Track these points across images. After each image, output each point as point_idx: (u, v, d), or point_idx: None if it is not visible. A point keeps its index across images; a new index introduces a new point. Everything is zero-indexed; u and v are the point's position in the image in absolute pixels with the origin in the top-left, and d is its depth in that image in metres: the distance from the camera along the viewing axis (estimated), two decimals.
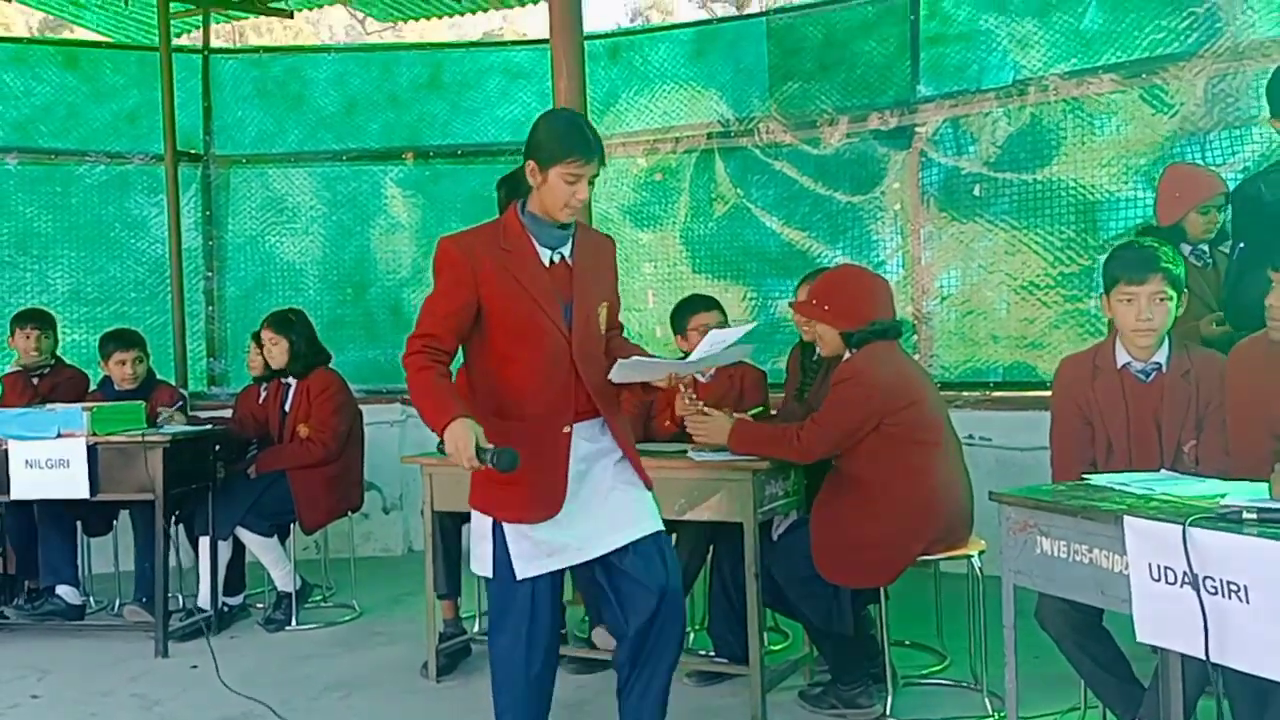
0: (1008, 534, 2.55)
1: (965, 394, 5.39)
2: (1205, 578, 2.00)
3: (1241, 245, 3.35)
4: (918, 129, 5.70)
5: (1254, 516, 2.03)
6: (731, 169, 6.26)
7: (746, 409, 3.87)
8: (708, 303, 4.14)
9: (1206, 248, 3.73)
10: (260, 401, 5.03)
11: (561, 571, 2.78)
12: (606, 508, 2.75)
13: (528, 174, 2.64)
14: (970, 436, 5.01)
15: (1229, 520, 2.04)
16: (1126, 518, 2.19)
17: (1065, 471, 2.91)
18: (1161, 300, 2.80)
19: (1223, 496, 2.24)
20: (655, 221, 6.51)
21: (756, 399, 4.06)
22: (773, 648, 4.22)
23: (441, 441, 2.53)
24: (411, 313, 6.69)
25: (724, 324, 4.00)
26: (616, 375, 2.69)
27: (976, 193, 5.54)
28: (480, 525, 2.77)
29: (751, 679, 3.45)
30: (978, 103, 5.52)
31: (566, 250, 2.73)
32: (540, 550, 2.70)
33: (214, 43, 7.23)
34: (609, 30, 6.62)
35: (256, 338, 5.08)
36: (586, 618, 4.07)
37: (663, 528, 2.81)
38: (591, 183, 2.63)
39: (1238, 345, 2.85)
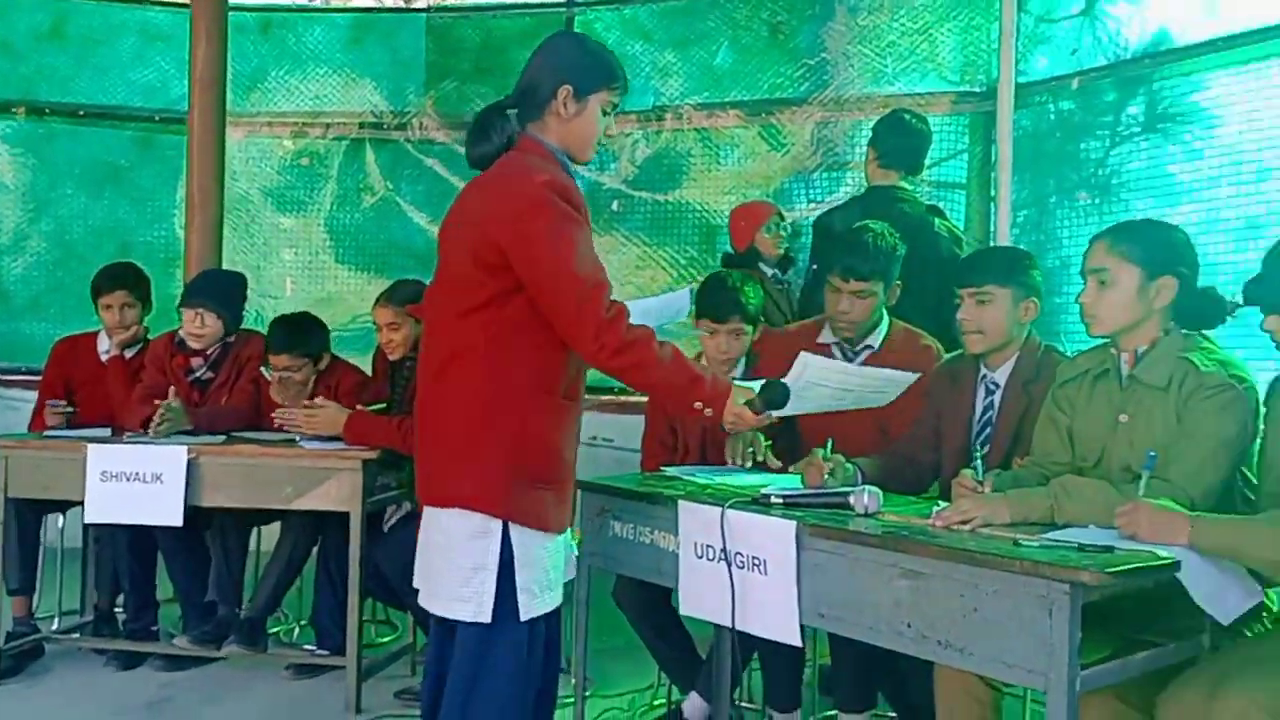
0: (587, 519, 2.72)
1: (592, 397, 5.63)
2: (736, 553, 2.25)
3: (814, 267, 3.80)
4: None
5: (780, 501, 2.31)
6: (382, 161, 6.19)
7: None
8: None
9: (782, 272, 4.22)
10: None
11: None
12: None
13: (559, 103, 2.16)
14: (594, 438, 5.27)
15: (760, 504, 2.31)
16: (681, 501, 2.42)
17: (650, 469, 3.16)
18: (738, 335, 3.13)
19: (766, 485, 2.52)
20: (299, 207, 6.28)
21: (350, 402, 3.77)
22: (381, 640, 4.21)
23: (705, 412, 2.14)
24: (13, 284, 6.06)
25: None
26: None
27: (615, 208, 5.83)
28: (471, 549, 2.12)
29: (349, 670, 3.42)
30: (620, 122, 5.79)
31: None
32: (552, 577, 2.19)
33: None
34: (260, 4, 6.30)
35: None
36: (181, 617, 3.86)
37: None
38: None
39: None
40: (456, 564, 2.13)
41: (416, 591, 3.39)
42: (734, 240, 4.40)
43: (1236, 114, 3.90)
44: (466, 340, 2.15)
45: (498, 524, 2.11)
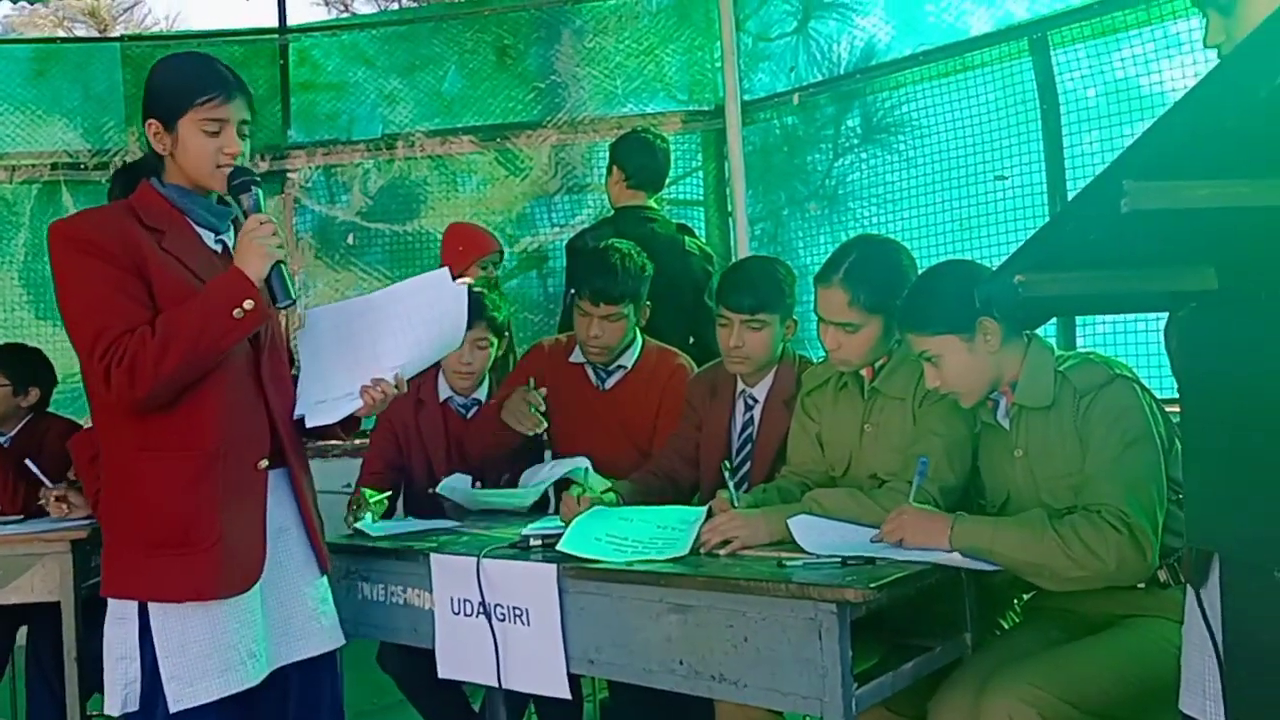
0: (334, 583, 2.48)
1: (346, 444, 5.32)
2: (496, 605, 2.10)
3: (572, 291, 3.70)
4: (289, 174, 5.57)
5: (539, 544, 2.18)
6: (82, 204, 5.58)
7: None
8: None
9: None
10: None
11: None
12: (296, 599, 2.10)
13: (152, 141, 1.99)
14: (348, 485, 4.96)
15: (518, 549, 2.17)
16: (433, 555, 2.24)
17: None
18: (482, 347, 2.98)
19: (525, 526, 2.39)
20: None
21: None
22: None
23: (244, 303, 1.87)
24: None
25: None
26: None
27: (350, 241, 5.55)
28: (112, 639, 1.95)
29: None
30: (348, 153, 5.55)
31: (229, 236, 2.07)
32: (214, 663, 1.91)
33: None
34: None
35: None
36: None
37: (343, 640, 2.19)
38: (243, 134, 1.99)
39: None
40: (108, 655, 1.97)
41: None
42: (445, 261, 4.07)
43: (941, 122, 4.14)
44: (92, 410, 2.05)
45: (131, 606, 1.94)
